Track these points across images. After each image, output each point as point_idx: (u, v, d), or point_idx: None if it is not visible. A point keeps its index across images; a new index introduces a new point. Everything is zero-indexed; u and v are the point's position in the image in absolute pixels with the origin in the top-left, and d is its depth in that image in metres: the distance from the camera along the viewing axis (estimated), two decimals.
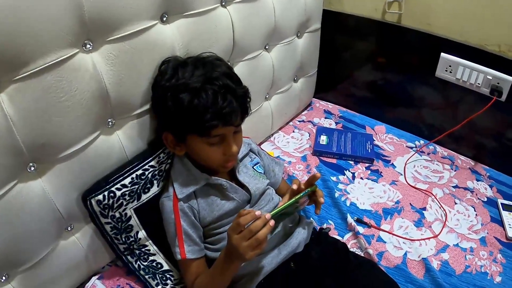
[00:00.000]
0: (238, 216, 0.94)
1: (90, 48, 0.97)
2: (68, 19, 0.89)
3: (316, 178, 1.08)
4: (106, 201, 1.06)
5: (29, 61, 0.85)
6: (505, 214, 1.49)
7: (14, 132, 0.87)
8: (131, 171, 1.11)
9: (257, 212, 0.93)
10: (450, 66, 1.68)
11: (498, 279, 1.28)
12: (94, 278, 1.21)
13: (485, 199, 1.58)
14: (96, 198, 1.05)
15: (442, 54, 1.68)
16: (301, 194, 1.06)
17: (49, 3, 0.85)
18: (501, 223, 1.47)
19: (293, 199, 1.03)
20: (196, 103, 1.01)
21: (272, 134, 1.90)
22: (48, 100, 0.91)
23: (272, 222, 0.93)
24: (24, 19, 0.81)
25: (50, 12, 0.85)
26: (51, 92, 0.90)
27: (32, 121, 0.89)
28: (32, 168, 0.95)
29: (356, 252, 1.33)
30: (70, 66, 0.93)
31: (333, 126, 1.99)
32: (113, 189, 1.07)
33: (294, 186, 1.09)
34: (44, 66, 0.87)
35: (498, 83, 1.57)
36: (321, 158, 1.76)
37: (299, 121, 2.02)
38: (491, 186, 1.65)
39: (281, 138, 1.89)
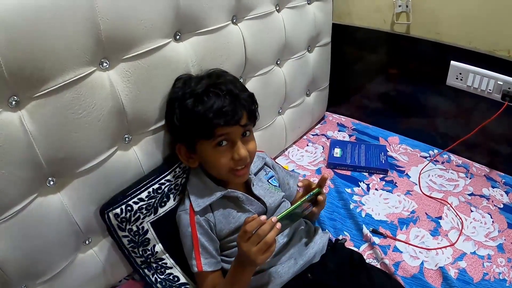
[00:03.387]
0: (244, 223, 0.97)
1: (107, 66, 1.00)
2: (86, 38, 0.93)
3: (324, 181, 1.13)
4: (123, 215, 1.09)
5: (49, 79, 0.89)
6: None
7: (34, 147, 0.90)
8: (148, 185, 1.14)
9: (262, 217, 0.96)
10: (460, 73, 1.69)
11: None
12: None
13: (502, 206, 1.57)
14: (114, 211, 1.07)
15: (452, 62, 1.69)
16: (306, 197, 1.09)
17: (68, 23, 0.89)
18: None
19: (298, 202, 1.06)
20: (198, 105, 1.05)
21: (287, 148, 1.92)
22: (67, 116, 0.94)
23: (278, 225, 0.96)
24: (43, 39, 0.85)
25: (68, 32, 0.89)
26: (69, 108, 0.94)
27: (51, 137, 0.93)
28: (52, 182, 0.98)
29: (372, 263, 1.34)
30: (88, 84, 0.96)
31: (347, 138, 2.01)
32: (130, 202, 1.10)
33: (300, 184, 1.13)
34: (63, 83, 0.91)
35: (509, 88, 1.58)
36: (336, 170, 1.78)
37: (312, 135, 2.04)
38: (507, 193, 1.64)
39: (295, 152, 1.91)
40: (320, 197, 1.14)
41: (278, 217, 0.98)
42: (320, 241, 1.22)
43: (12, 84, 0.83)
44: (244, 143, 1.11)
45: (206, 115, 1.03)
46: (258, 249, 0.94)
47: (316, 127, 2.11)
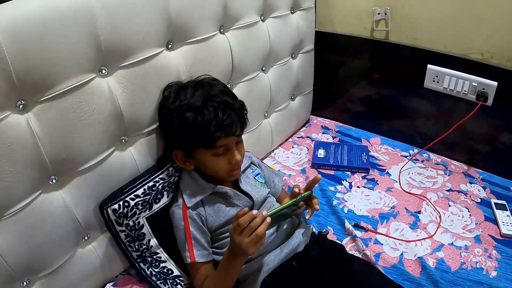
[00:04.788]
0: (237, 217, 1.03)
1: (106, 73, 1.08)
2: (87, 48, 1.00)
3: (315, 182, 1.19)
4: (121, 210, 1.15)
5: (53, 84, 0.96)
6: (498, 212, 1.54)
7: (40, 147, 0.97)
8: (143, 182, 1.21)
9: (254, 212, 1.03)
10: (437, 76, 1.76)
11: (493, 273, 1.32)
12: (108, 285, 1.28)
13: (479, 200, 1.63)
14: (112, 207, 1.14)
15: (429, 65, 1.76)
16: (298, 198, 1.15)
17: (71, 34, 0.96)
18: (495, 221, 1.52)
19: (290, 202, 1.13)
20: (200, 119, 1.12)
21: (273, 150, 1.97)
22: (69, 118, 1.01)
23: (268, 219, 1.02)
24: (49, 48, 0.93)
25: (71, 42, 0.97)
26: (72, 111, 1.01)
27: (55, 138, 0.99)
28: (54, 180, 1.04)
29: (355, 254, 1.39)
30: (88, 89, 1.03)
31: (330, 140, 2.07)
32: (127, 199, 1.16)
33: (296, 190, 1.18)
34: (66, 89, 0.98)
35: (483, 89, 1.64)
36: (319, 170, 1.84)
37: (297, 137, 2.10)
38: (484, 188, 1.70)
39: (281, 154, 1.97)
40: (316, 206, 1.21)
41: (269, 212, 1.04)
42: (303, 232, 1.29)
43: (20, 89, 0.90)
44: (237, 147, 1.21)
45: (208, 129, 1.11)
46: (250, 240, 1.01)
47: (301, 130, 2.17)
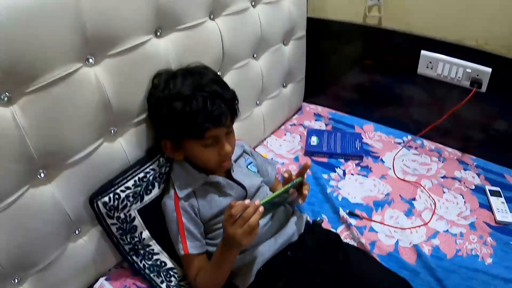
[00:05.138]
0: (229, 208, 1.02)
1: (92, 62, 1.05)
2: (72, 37, 0.97)
3: (306, 168, 1.17)
4: (111, 203, 1.13)
5: (39, 75, 0.93)
6: (493, 199, 1.55)
7: (26, 140, 0.94)
8: (134, 174, 1.18)
9: (246, 201, 1.01)
10: (430, 62, 1.75)
11: (489, 260, 1.32)
12: (101, 279, 1.26)
13: (473, 187, 1.63)
14: (103, 200, 1.11)
15: (422, 51, 1.75)
16: (290, 185, 1.13)
17: (56, 23, 0.93)
18: (489, 208, 1.53)
19: (282, 189, 1.10)
20: (188, 109, 1.09)
21: (265, 138, 1.96)
22: (56, 110, 0.98)
23: (261, 209, 1.01)
24: (34, 38, 0.90)
25: (56, 31, 0.94)
26: (59, 103, 0.98)
27: (42, 130, 0.96)
28: (42, 174, 1.01)
29: (350, 243, 1.39)
30: (75, 79, 1.00)
31: (323, 127, 2.05)
32: (117, 191, 1.14)
33: (286, 174, 1.17)
34: (52, 79, 0.95)
35: (477, 75, 1.64)
36: (313, 158, 1.83)
37: (290, 125, 2.09)
38: (478, 175, 1.71)
39: (274, 142, 1.96)
40: (305, 191, 1.19)
41: (262, 201, 1.03)
42: (297, 221, 1.29)
43: (4, 81, 0.87)
44: (227, 138, 1.18)
45: (196, 119, 1.09)
46: (243, 231, 0.99)
47: (294, 117, 2.16)
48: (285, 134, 2.01)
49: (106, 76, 1.08)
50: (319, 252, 1.23)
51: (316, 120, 2.12)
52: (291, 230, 1.25)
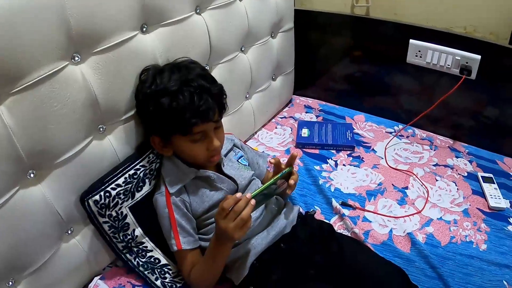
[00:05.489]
0: (222, 202, 1.02)
1: (79, 60, 1.04)
2: (57, 34, 0.96)
3: (293, 158, 1.19)
4: (102, 201, 1.12)
5: (25, 75, 0.92)
6: (486, 186, 1.56)
7: (14, 141, 0.93)
8: (124, 171, 1.18)
9: (238, 195, 1.02)
10: (419, 51, 1.76)
11: (483, 246, 1.34)
12: (96, 278, 1.26)
13: (466, 174, 1.65)
14: (93, 198, 1.11)
15: (411, 40, 1.76)
16: (279, 175, 1.14)
17: (40, 21, 0.92)
18: (482, 194, 1.54)
19: (272, 180, 1.12)
20: (175, 105, 1.09)
21: (256, 132, 1.96)
22: (43, 109, 0.97)
23: (253, 201, 1.01)
24: (18, 37, 0.89)
25: (41, 29, 0.93)
26: (45, 102, 0.97)
27: (30, 130, 0.96)
28: (32, 175, 1.01)
29: (343, 233, 1.40)
30: (61, 78, 1.00)
31: (314, 119, 2.06)
32: (108, 189, 1.14)
33: (272, 161, 1.19)
34: (38, 78, 0.94)
35: (467, 63, 1.65)
36: (304, 150, 1.82)
37: (281, 118, 2.08)
38: (470, 162, 1.72)
39: (265, 135, 1.95)
40: (291, 181, 1.20)
41: (252, 194, 1.03)
42: (289, 213, 1.29)
43: None
44: (216, 133, 1.18)
45: (184, 115, 1.09)
46: (235, 225, 1.00)
47: (284, 110, 2.15)
48: (275, 127, 2.01)
49: (92, 74, 1.07)
50: (312, 244, 1.23)
51: (306, 112, 2.12)
52: (284, 222, 1.25)
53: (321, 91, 2.22)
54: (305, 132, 1.89)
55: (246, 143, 1.68)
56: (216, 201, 1.20)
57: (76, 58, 1.04)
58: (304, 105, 2.18)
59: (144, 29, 1.20)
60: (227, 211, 1.00)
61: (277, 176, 1.14)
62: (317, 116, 2.08)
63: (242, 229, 1.01)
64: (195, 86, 1.10)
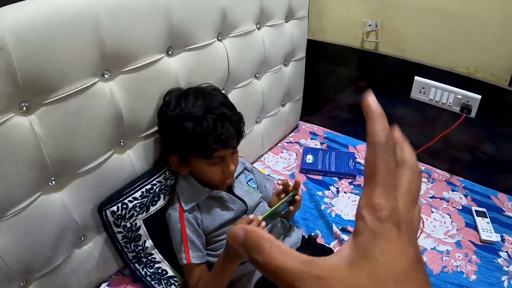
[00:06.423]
0: (235, 222, 1.08)
1: (108, 77, 1.10)
2: (91, 52, 1.03)
3: (298, 184, 1.25)
4: (119, 212, 1.17)
5: (58, 87, 0.98)
6: (478, 219, 1.61)
7: (42, 149, 0.98)
8: (142, 185, 1.23)
9: (251, 216, 1.07)
10: (423, 88, 1.81)
11: (473, 277, 1.39)
12: (103, 285, 1.30)
13: (460, 207, 1.69)
14: (111, 209, 1.16)
15: (416, 77, 1.81)
16: (286, 198, 1.21)
17: (76, 39, 0.98)
18: (475, 228, 1.59)
19: (279, 203, 1.18)
20: (198, 130, 1.15)
21: (263, 155, 2.01)
22: (71, 121, 1.03)
23: (263, 223, 1.07)
24: (54, 53, 0.95)
25: (77, 46, 0.99)
26: (74, 114, 1.03)
27: (57, 140, 1.01)
28: (53, 182, 1.05)
29: None
30: (91, 93, 1.05)
31: (318, 146, 2.11)
32: (125, 201, 1.19)
33: (280, 182, 1.25)
34: (69, 92, 1.00)
35: (467, 101, 1.70)
36: (308, 175, 1.88)
37: (287, 142, 2.14)
38: (465, 196, 1.77)
39: (271, 158, 2.00)
40: (297, 197, 1.25)
41: (263, 216, 1.09)
42: (295, 235, 1.34)
43: (24, 92, 0.92)
44: (232, 158, 1.24)
45: (206, 140, 1.15)
46: None
47: (290, 135, 2.21)
48: (281, 151, 2.06)
49: (119, 91, 1.13)
50: None
51: (311, 139, 2.17)
52: (289, 244, 1.30)
53: (326, 118, 2.27)
54: (309, 158, 1.94)
55: (253, 165, 1.73)
56: (226, 220, 1.26)
57: (106, 76, 1.09)
58: (310, 131, 2.24)
59: (170, 52, 1.26)
60: None
61: (284, 200, 1.20)
62: (321, 143, 2.13)
63: None
64: (218, 114, 1.17)
